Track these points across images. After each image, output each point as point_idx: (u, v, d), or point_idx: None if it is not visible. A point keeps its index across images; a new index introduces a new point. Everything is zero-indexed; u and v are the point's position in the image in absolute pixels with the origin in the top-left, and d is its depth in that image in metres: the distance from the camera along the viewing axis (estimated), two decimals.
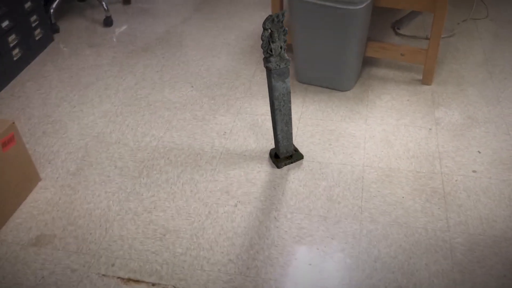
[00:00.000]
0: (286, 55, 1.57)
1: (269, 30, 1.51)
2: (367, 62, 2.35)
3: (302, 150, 1.87)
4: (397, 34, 2.60)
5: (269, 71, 1.58)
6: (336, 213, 1.61)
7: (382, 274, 1.41)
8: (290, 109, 1.68)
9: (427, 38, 2.51)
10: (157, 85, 2.32)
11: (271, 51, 1.55)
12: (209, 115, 2.10)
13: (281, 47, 1.56)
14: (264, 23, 1.49)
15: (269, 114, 2.07)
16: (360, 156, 1.83)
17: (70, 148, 1.96)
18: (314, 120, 2.02)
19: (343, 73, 2.13)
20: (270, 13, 3.01)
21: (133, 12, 3.05)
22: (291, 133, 1.75)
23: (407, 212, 1.60)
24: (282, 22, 1.51)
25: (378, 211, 1.61)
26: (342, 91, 2.18)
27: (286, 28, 1.53)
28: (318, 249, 1.50)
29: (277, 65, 1.57)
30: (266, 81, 2.29)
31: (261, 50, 2.54)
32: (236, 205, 1.66)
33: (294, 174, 1.77)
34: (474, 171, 1.73)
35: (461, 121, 1.97)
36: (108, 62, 2.52)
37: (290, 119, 1.70)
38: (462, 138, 1.88)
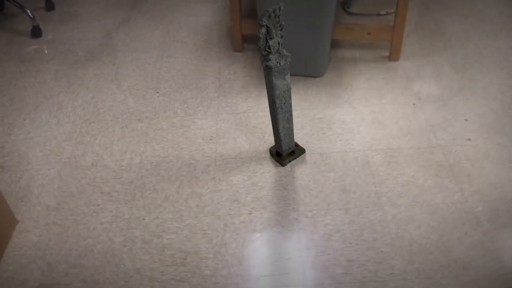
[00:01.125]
0: (285, 50, 1.49)
1: (266, 27, 1.42)
2: (331, 45, 2.32)
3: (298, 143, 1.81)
4: (348, 13, 2.61)
5: (269, 70, 1.49)
6: (356, 203, 1.57)
7: (422, 257, 1.40)
8: (291, 106, 1.60)
9: (379, 15, 2.55)
10: (117, 96, 2.12)
11: (269, 48, 1.45)
12: (187, 121, 1.96)
13: (279, 43, 1.47)
14: (260, 19, 1.39)
15: (251, 110, 1.98)
16: (357, 141, 1.80)
17: (41, 180, 1.73)
18: (299, 111, 1.96)
19: (317, 58, 2.08)
20: (212, 6, 2.90)
21: (61, 18, 2.76)
22: (292, 129, 1.67)
23: (422, 190, 1.60)
24: (279, 17, 1.42)
25: (394, 194, 1.60)
26: (316, 77, 2.14)
27: (283, 23, 1.44)
28: (351, 243, 1.46)
29: (277, 62, 1.48)
30: (235, 77, 2.20)
31: (218, 45, 2.43)
32: (251, 213, 1.57)
33: (299, 170, 1.70)
34: (468, 139, 1.78)
35: (439, 92, 2.02)
36: (52, 77, 2.26)
37: (291, 115, 1.62)
38: (446, 108, 1.93)
